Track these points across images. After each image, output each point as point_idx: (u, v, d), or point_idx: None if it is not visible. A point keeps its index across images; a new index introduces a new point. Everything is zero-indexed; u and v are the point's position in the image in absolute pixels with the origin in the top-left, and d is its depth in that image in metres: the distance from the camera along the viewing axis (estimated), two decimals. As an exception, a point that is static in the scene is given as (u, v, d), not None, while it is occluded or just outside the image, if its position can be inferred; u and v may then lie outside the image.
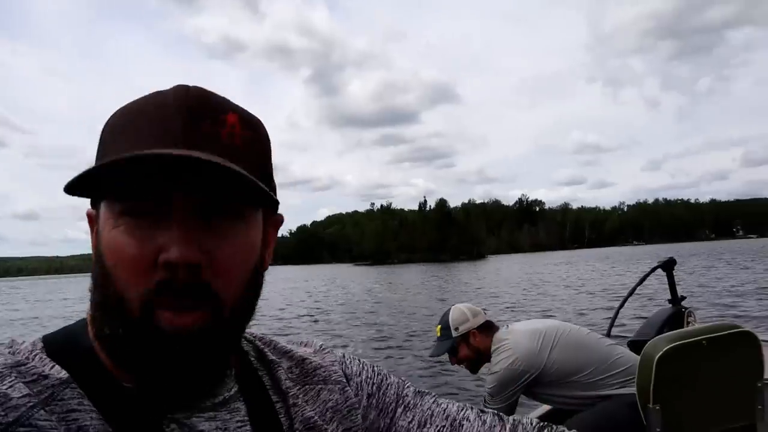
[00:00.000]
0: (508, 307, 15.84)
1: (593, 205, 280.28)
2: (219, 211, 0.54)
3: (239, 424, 0.59)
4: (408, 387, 0.73)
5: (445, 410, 0.69)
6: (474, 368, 2.81)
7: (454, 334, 2.73)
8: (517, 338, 2.59)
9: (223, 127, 0.54)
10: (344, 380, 0.70)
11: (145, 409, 0.53)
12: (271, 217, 0.63)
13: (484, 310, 2.82)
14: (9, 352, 0.53)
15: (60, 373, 0.51)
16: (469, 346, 2.74)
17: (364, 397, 0.70)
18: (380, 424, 0.69)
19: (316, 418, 0.64)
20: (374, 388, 0.71)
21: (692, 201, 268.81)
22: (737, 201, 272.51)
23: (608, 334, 2.98)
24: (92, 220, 0.58)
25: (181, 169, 0.49)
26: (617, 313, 3.06)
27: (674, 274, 2.95)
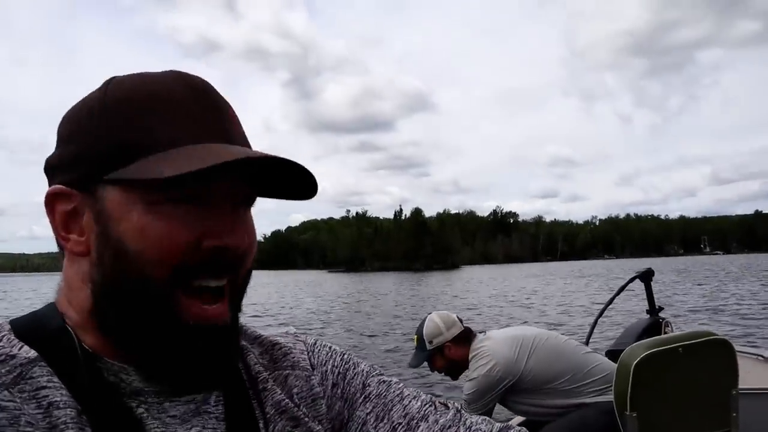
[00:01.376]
0: (479, 316, 15.88)
1: (566, 218, 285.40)
2: (248, 202, 0.57)
3: (212, 407, 0.59)
4: (374, 376, 0.71)
5: (406, 407, 0.66)
6: (453, 376, 2.80)
7: (428, 347, 2.72)
8: (495, 345, 2.57)
9: (234, 117, 0.58)
10: (310, 369, 0.69)
11: (118, 389, 0.53)
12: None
13: (459, 318, 2.80)
14: None
15: (28, 353, 0.51)
16: (444, 358, 2.73)
17: (329, 387, 0.69)
18: (344, 414, 0.68)
19: (287, 400, 0.64)
20: (339, 378, 0.70)
21: (662, 216, 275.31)
22: (705, 218, 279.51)
23: (587, 343, 2.98)
24: (62, 200, 0.56)
25: (238, 166, 0.50)
26: (596, 321, 3.07)
27: (651, 285, 2.97)
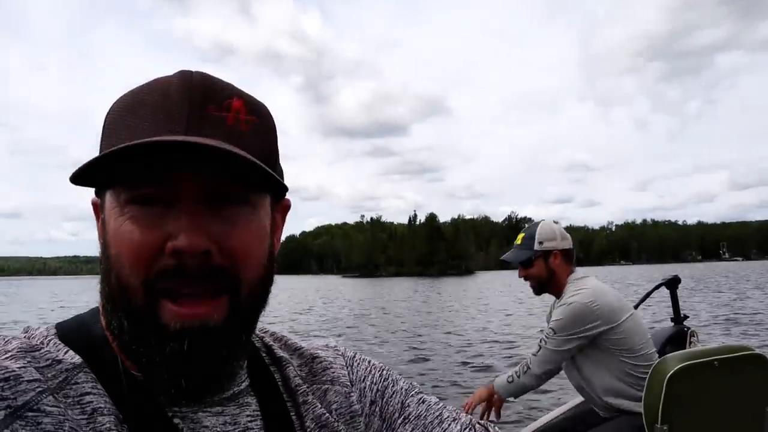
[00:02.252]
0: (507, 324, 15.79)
1: (581, 224, 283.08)
2: (227, 197, 0.54)
3: (249, 419, 0.59)
4: (413, 395, 0.69)
5: (445, 430, 0.65)
6: (539, 289, 2.65)
7: (536, 247, 2.57)
8: (599, 285, 2.45)
9: (228, 112, 0.54)
10: (349, 384, 0.69)
11: (153, 399, 0.54)
12: (278, 202, 0.62)
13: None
14: (25, 337, 0.54)
15: (73, 358, 0.52)
16: (546, 265, 2.58)
17: (367, 404, 0.68)
18: None
19: (327, 415, 0.63)
20: (378, 395, 0.69)
21: (679, 222, 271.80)
22: (723, 223, 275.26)
23: None
24: (97, 209, 0.58)
25: (186, 156, 0.49)
26: None
27: (677, 292, 2.93)
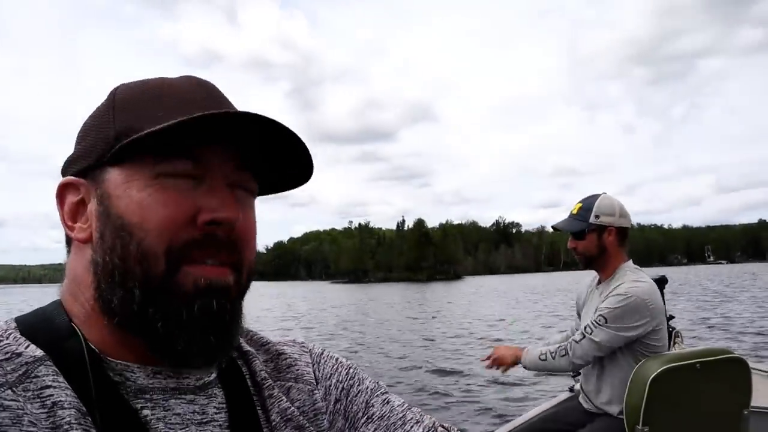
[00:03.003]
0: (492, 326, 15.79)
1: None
2: (242, 185, 0.58)
3: (215, 410, 0.59)
4: (378, 395, 0.69)
5: None
6: (586, 264, 2.54)
7: (592, 219, 2.44)
8: (652, 285, 2.35)
9: None
10: (314, 382, 0.68)
11: (122, 388, 0.53)
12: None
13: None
14: None
15: (35, 351, 0.51)
16: (599, 241, 2.45)
17: (332, 402, 0.68)
18: None
19: (293, 408, 0.64)
20: (342, 393, 0.69)
21: (666, 226, 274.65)
22: (708, 227, 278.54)
23: None
24: (71, 189, 0.58)
25: (223, 131, 0.52)
26: None
27: (664, 293, 2.94)
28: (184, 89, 0.57)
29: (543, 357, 2.40)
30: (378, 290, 64.29)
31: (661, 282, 2.94)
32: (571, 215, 2.55)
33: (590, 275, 2.69)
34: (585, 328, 2.32)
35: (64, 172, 0.60)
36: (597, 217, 2.44)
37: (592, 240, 2.46)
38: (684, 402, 2.00)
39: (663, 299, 2.94)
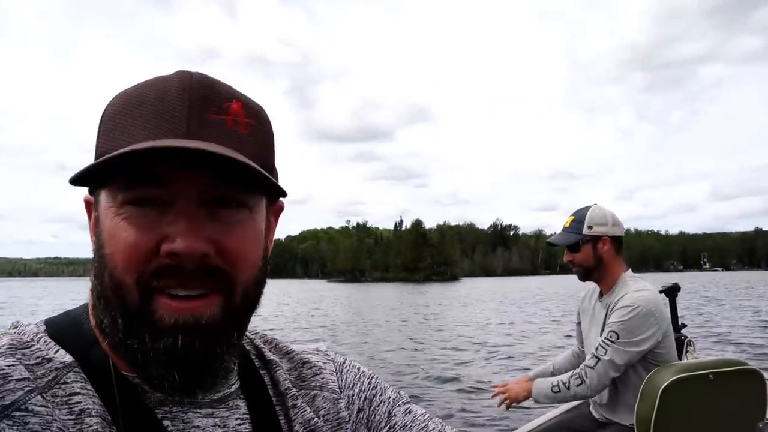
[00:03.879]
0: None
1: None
2: (223, 200, 0.54)
3: (238, 422, 0.59)
4: (400, 405, 0.70)
5: None
6: (584, 276, 2.50)
7: (585, 231, 2.43)
8: (654, 290, 2.31)
9: (228, 114, 0.54)
10: (338, 391, 0.69)
11: (142, 400, 0.54)
12: (272, 204, 0.63)
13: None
14: (14, 333, 0.54)
15: (64, 357, 0.52)
16: (594, 252, 2.43)
17: (355, 412, 0.68)
18: None
19: (316, 419, 0.63)
20: (365, 403, 0.69)
21: (662, 232, 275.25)
22: (705, 234, 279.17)
23: None
24: (90, 207, 0.58)
25: (184, 160, 0.49)
26: None
27: (676, 301, 2.90)
28: (167, 98, 0.53)
29: (556, 389, 2.32)
30: (374, 290, 64.23)
31: (673, 290, 2.91)
32: (564, 229, 2.53)
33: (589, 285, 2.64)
34: (597, 349, 2.25)
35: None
36: (590, 227, 2.44)
37: (587, 251, 2.45)
38: (696, 413, 1.95)
39: (675, 307, 2.92)
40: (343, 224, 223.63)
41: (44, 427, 0.46)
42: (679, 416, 1.92)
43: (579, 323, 2.71)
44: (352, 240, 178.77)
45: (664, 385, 1.88)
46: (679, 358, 2.66)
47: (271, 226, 0.64)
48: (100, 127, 0.56)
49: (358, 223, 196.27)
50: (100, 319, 0.54)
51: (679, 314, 2.91)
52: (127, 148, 0.48)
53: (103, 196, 0.54)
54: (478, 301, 34.22)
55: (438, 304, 30.88)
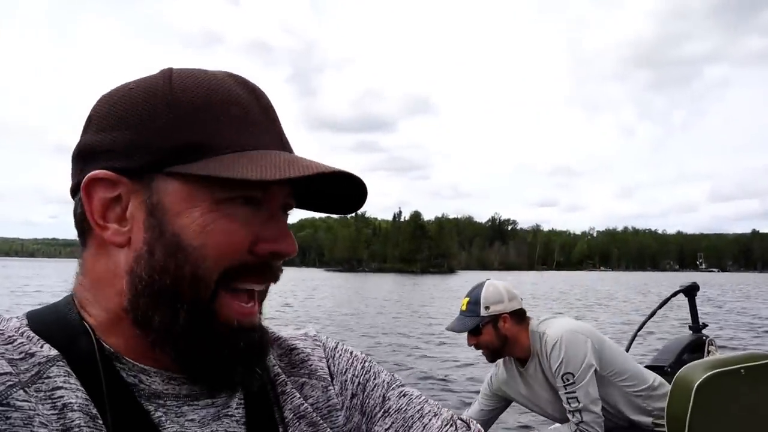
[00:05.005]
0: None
1: (564, 228, 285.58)
2: (287, 208, 0.59)
3: (232, 410, 0.59)
4: (395, 388, 0.68)
5: (425, 425, 0.64)
6: (493, 357, 2.48)
7: (483, 312, 2.37)
8: (573, 325, 2.32)
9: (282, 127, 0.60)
10: (328, 378, 0.67)
11: (133, 392, 0.53)
12: None
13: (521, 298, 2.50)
14: None
15: (48, 351, 0.50)
16: (497, 332, 2.38)
17: (348, 398, 0.67)
18: (362, 428, 0.66)
19: (306, 405, 0.63)
20: (359, 388, 0.68)
21: (660, 231, 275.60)
22: (702, 234, 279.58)
23: None
24: (112, 185, 0.53)
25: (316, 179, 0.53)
26: (634, 336, 2.97)
27: (696, 300, 2.88)
28: (241, 99, 0.55)
29: None
30: (371, 280, 64.38)
31: (691, 289, 2.90)
32: (462, 312, 2.46)
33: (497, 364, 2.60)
34: (570, 404, 2.22)
35: (86, 159, 0.55)
36: (487, 308, 2.38)
37: (489, 333, 2.40)
38: (731, 409, 1.93)
39: (695, 306, 2.90)
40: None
41: (26, 422, 0.45)
42: (714, 413, 1.89)
43: (502, 397, 2.64)
44: (350, 230, 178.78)
45: (698, 382, 1.85)
46: (701, 358, 2.64)
47: None
48: (167, 107, 0.53)
49: (356, 213, 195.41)
50: (145, 315, 0.53)
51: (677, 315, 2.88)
52: (309, 172, 0.51)
53: (179, 187, 0.52)
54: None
55: (431, 297, 30.91)
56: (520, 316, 2.42)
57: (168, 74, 0.56)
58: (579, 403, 2.18)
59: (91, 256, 0.56)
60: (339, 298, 28.18)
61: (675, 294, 2.90)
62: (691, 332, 2.84)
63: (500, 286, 2.44)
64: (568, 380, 2.20)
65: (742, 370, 1.92)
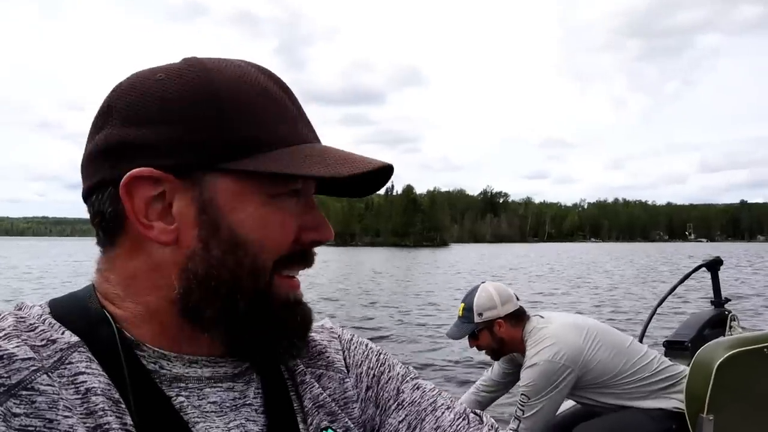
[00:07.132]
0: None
1: (555, 200, 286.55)
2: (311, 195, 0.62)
3: (253, 394, 0.60)
4: (409, 381, 0.70)
5: (438, 418, 0.65)
6: (496, 356, 2.56)
7: (477, 319, 2.41)
8: (559, 330, 2.31)
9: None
10: (345, 370, 0.69)
11: (153, 377, 0.54)
12: None
13: (516, 295, 2.51)
14: (19, 314, 0.53)
15: (71, 337, 0.52)
16: (493, 335, 2.44)
17: (363, 390, 0.68)
18: (376, 420, 0.68)
19: (324, 394, 0.65)
20: (374, 381, 0.69)
21: (650, 202, 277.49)
22: (691, 205, 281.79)
23: (643, 333, 2.84)
24: (155, 183, 0.53)
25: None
26: (653, 314, 2.91)
27: (719, 274, 2.82)
28: (276, 93, 0.57)
29: None
30: (363, 254, 64.48)
31: (715, 263, 2.84)
32: (459, 318, 2.52)
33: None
34: (516, 411, 2.28)
35: (125, 156, 0.53)
36: (480, 315, 2.42)
37: (486, 337, 2.46)
38: (752, 389, 1.90)
39: (718, 281, 2.84)
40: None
41: (51, 405, 0.46)
42: (734, 393, 1.86)
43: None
44: (342, 204, 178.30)
45: (719, 361, 1.82)
46: (723, 334, 2.59)
47: None
48: (220, 103, 0.53)
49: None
50: (196, 308, 0.54)
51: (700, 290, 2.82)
52: (367, 167, 0.55)
53: (231, 183, 0.53)
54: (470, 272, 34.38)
55: (426, 272, 31.00)
56: (516, 317, 2.44)
57: (199, 65, 0.55)
58: (522, 414, 2.24)
59: (123, 254, 0.55)
60: (333, 272, 28.18)
61: (697, 269, 2.84)
62: (713, 307, 2.78)
63: (493, 292, 2.45)
64: (523, 400, 2.26)
65: (765, 350, 1.88)
